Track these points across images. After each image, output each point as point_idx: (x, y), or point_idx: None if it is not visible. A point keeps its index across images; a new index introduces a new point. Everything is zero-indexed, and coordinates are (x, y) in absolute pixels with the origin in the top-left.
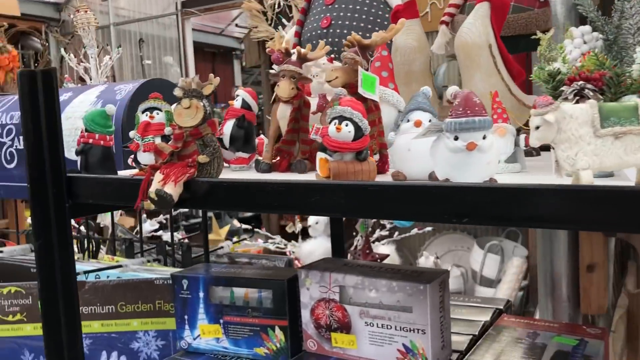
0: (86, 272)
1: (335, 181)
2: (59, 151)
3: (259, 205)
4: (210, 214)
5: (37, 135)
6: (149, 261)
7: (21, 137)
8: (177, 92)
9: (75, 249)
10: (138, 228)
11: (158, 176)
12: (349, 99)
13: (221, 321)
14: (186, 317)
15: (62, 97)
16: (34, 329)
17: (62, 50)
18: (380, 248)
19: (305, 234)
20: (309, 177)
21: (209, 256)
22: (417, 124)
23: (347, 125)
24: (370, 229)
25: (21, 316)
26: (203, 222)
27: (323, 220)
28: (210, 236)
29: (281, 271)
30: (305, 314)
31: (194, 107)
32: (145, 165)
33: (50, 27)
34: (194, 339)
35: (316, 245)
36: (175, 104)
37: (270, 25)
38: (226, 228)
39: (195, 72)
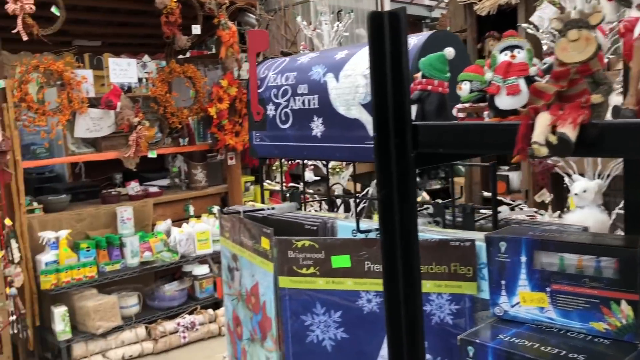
0: (365, 231)
1: None
2: (403, 98)
3: None
4: None
5: (382, 81)
6: (429, 222)
7: (297, 98)
8: (556, 24)
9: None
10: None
11: (544, 119)
12: None
13: (548, 289)
14: (503, 282)
15: (339, 55)
16: (326, 283)
17: (299, 18)
18: None
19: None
20: None
21: (497, 221)
22: None
23: None
24: None
25: (314, 270)
26: (492, 182)
27: (593, 187)
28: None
29: (621, 238)
30: None
31: (583, 39)
32: (520, 108)
33: None
34: (512, 307)
35: (584, 216)
36: (558, 37)
37: None
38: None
39: None
